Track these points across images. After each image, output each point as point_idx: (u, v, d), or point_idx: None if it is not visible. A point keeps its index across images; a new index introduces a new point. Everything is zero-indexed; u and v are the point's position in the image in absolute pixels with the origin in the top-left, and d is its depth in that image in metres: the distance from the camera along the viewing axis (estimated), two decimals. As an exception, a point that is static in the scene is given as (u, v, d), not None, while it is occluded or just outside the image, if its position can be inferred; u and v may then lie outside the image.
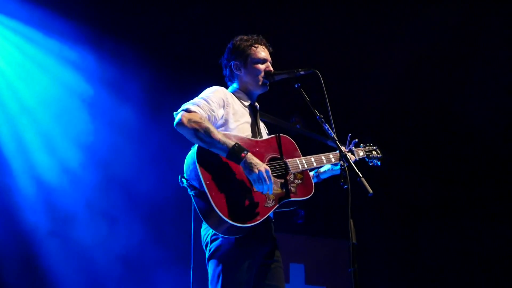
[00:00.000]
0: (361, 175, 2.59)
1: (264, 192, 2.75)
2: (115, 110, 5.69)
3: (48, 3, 5.27)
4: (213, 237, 2.85)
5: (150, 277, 5.54)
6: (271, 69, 3.21)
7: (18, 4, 5.17)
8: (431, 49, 6.29)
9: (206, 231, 2.91)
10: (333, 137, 2.88)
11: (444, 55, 6.41)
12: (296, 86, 3.08)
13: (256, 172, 2.67)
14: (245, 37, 3.25)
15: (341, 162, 2.70)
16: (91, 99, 5.60)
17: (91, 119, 5.57)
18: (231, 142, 2.72)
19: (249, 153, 2.73)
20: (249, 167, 2.68)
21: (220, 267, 2.77)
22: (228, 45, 3.29)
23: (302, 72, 3.09)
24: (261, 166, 2.70)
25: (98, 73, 5.62)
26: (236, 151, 2.69)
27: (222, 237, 2.79)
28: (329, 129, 2.89)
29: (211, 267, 2.84)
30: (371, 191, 2.53)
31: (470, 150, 7.42)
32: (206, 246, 2.90)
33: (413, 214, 8.00)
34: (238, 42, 3.23)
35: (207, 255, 2.89)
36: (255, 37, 3.25)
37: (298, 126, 7.34)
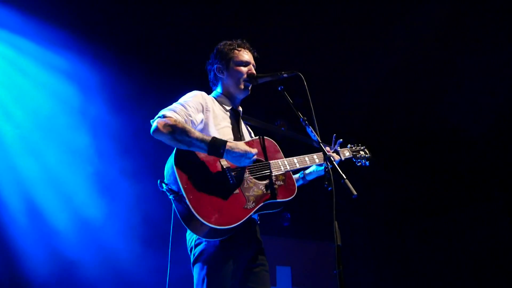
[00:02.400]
0: (345, 177, 2.60)
1: (243, 165, 2.80)
2: (103, 118, 5.65)
3: (31, 8, 5.20)
4: (197, 241, 2.85)
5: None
6: (254, 72, 3.22)
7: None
8: (415, 51, 6.34)
9: (190, 236, 2.91)
10: (317, 139, 2.89)
11: (428, 57, 6.46)
12: (279, 88, 3.10)
13: (237, 151, 2.75)
14: (229, 42, 3.28)
15: (325, 164, 2.71)
16: (80, 107, 5.55)
17: (77, 124, 5.52)
18: (208, 138, 2.75)
19: (227, 141, 2.77)
20: (231, 149, 2.74)
21: (204, 271, 2.76)
22: (213, 50, 3.32)
23: (285, 75, 3.10)
24: (242, 145, 2.77)
25: (89, 80, 5.58)
26: (216, 143, 2.73)
27: (206, 241, 2.78)
28: (313, 131, 2.90)
29: (196, 271, 2.83)
30: (355, 193, 2.54)
31: (454, 151, 7.50)
32: (191, 250, 2.89)
33: (398, 215, 8.07)
34: (221, 46, 3.27)
35: (192, 260, 2.88)
36: (239, 41, 3.28)
37: (283, 129, 7.38)
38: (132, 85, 5.83)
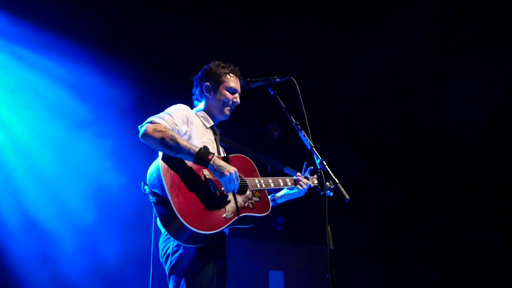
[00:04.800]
0: (337, 181, 2.61)
1: (229, 192, 2.88)
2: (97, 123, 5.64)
3: (25, 13, 5.17)
4: (175, 248, 2.87)
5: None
6: (239, 101, 3.32)
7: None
8: (406, 55, 6.38)
9: (166, 244, 2.93)
10: (309, 144, 2.90)
11: (418, 61, 6.50)
12: (272, 93, 3.13)
13: (227, 174, 2.81)
14: (223, 64, 3.36)
15: (321, 165, 2.73)
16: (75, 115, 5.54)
17: (70, 130, 5.50)
18: (197, 147, 2.83)
19: (215, 156, 2.85)
20: (219, 169, 2.81)
21: (183, 280, 2.79)
22: (205, 67, 3.39)
23: (278, 79, 3.15)
24: (230, 168, 2.84)
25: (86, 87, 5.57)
26: (203, 154, 2.81)
27: (183, 248, 2.82)
28: (305, 135, 2.91)
29: (173, 279, 2.85)
30: (347, 197, 2.57)
31: (445, 154, 7.54)
32: (167, 258, 2.91)
33: (391, 218, 8.09)
34: (214, 67, 3.34)
35: (168, 268, 2.90)
36: (232, 67, 3.37)
37: (276, 133, 7.40)
38: (132, 91, 5.82)
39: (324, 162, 2.76)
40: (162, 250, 2.96)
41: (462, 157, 7.45)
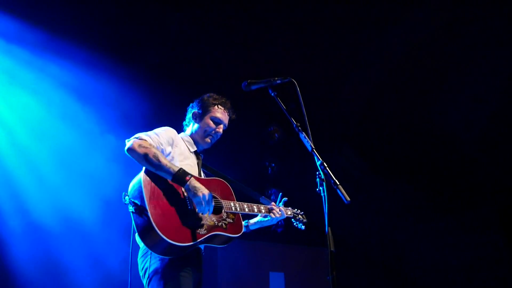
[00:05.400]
0: (338, 183, 2.61)
1: (204, 213, 3.03)
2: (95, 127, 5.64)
3: (24, 15, 5.17)
4: (152, 262, 3.00)
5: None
6: (221, 131, 3.49)
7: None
8: (408, 56, 6.39)
9: (144, 258, 3.06)
10: (310, 145, 2.89)
11: (419, 63, 6.51)
12: (272, 94, 3.13)
13: (200, 195, 2.96)
14: (216, 96, 3.54)
15: (321, 167, 2.72)
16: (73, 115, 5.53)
17: (69, 132, 5.50)
18: (176, 167, 3.00)
19: (192, 178, 3.01)
20: (194, 190, 2.97)
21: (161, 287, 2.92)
22: (201, 96, 3.58)
23: (278, 81, 3.15)
24: (204, 190, 3.00)
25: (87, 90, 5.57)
26: (181, 175, 2.98)
27: (160, 260, 2.96)
28: (306, 137, 2.91)
29: None
30: (348, 199, 2.56)
31: (446, 156, 7.54)
32: (145, 272, 3.03)
33: (391, 220, 8.08)
34: (207, 97, 3.53)
35: (146, 282, 3.03)
36: (223, 100, 3.54)
37: (276, 135, 7.40)
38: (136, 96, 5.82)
39: (324, 163, 2.75)
40: (140, 265, 3.09)
41: (463, 159, 7.44)
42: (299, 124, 2.98)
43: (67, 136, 5.50)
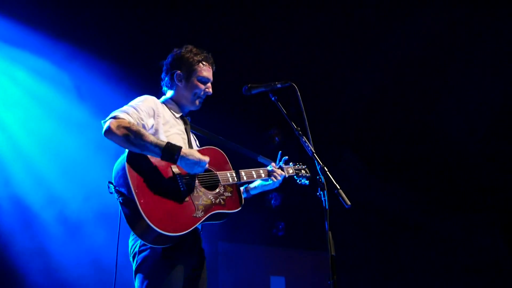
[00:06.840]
0: (338, 187, 2.60)
1: (193, 172, 2.78)
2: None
3: (18, 16, 5.18)
4: (142, 247, 2.78)
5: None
6: (211, 91, 3.21)
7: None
8: (408, 60, 6.40)
9: (134, 242, 2.84)
10: (310, 150, 2.89)
11: (420, 66, 6.52)
12: (273, 99, 3.11)
13: (196, 157, 2.74)
14: (195, 50, 3.22)
15: (320, 170, 2.71)
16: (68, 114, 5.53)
17: (59, 126, 5.49)
18: (163, 142, 2.71)
19: (182, 148, 2.73)
20: (191, 153, 2.73)
21: (146, 281, 2.71)
22: (176, 51, 3.24)
23: (279, 85, 3.12)
24: (195, 153, 2.76)
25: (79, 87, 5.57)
26: (170, 149, 2.69)
27: (150, 248, 2.73)
28: (306, 141, 2.90)
29: (138, 279, 2.77)
30: (349, 203, 2.55)
31: (446, 159, 7.54)
32: (134, 257, 2.82)
33: (392, 223, 8.08)
34: (187, 54, 3.19)
35: (134, 267, 2.81)
36: (205, 54, 3.24)
37: (277, 138, 7.40)
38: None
39: (325, 168, 2.75)
40: (130, 248, 2.88)
41: (463, 161, 7.45)
42: (299, 129, 2.97)
43: (67, 135, 5.48)
